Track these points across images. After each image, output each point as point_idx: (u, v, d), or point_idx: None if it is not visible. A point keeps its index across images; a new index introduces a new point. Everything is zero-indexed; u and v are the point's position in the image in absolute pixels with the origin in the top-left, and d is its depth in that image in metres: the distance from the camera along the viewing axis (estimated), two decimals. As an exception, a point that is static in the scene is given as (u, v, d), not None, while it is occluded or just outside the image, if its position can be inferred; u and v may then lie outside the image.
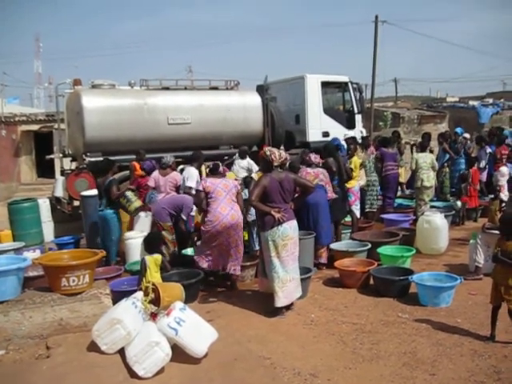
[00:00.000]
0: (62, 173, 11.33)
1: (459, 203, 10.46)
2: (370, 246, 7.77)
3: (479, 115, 28.53)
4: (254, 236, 7.88)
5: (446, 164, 12.36)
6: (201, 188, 6.87)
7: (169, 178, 8.40)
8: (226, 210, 6.73)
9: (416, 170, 10.07)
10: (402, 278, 6.43)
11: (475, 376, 4.37)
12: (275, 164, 5.97)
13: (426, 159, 10.14)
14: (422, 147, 10.79)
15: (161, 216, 7.68)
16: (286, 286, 5.89)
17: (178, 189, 8.44)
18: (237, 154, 11.03)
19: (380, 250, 7.55)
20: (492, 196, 9.76)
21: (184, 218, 7.66)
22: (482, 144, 12.84)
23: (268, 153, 6.01)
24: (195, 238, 8.20)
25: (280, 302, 5.87)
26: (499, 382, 4.27)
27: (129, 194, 8.10)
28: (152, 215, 7.98)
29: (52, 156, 16.60)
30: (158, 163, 8.89)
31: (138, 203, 8.15)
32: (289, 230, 5.90)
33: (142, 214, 8.56)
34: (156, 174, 8.55)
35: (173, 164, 8.66)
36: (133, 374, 4.51)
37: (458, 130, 13.54)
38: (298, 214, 6.46)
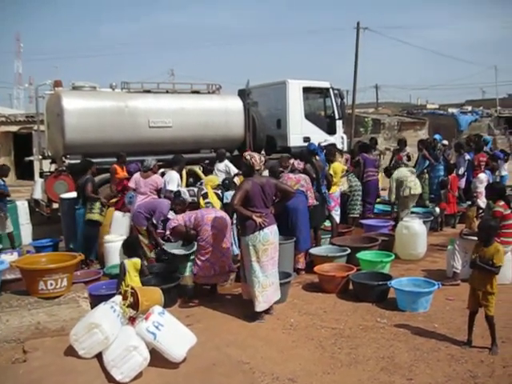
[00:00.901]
0: (41, 175, 11.19)
1: (438, 210, 10.55)
2: (349, 251, 7.80)
3: (458, 122, 28.94)
4: (235, 240, 7.86)
5: (425, 170, 12.49)
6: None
7: (149, 181, 8.40)
8: (210, 210, 6.76)
9: (399, 185, 10.05)
10: (380, 283, 6.47)
11: (452, 381, 4.41)
12: (256, 168, 5.99)
13: (404, 171, 10.25)
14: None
15: (137, 220, 7.69)
16: (266, 290, 5.89)
17: (159, 192, 8.43)
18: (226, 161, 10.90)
19: (359, 255, 7.59)
20: (470, 203, 9.90)
21: (154, 221, 7.61)
22: (460, 151, 12.98)
23: (248, 157, 6.03)
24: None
25: (260, 306, 5.87)
26: (475, 386, 4.31)
27: (97, 204, 8.27)
28: (131, 219, 7.96)
29: (31, 158, 16.41)
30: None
31: (96, 217, 8.29)
32: (269, 235, 5.91)
33: (119, 214, 8.54)
34: (137, 175, 8.56)
35: (154, 167, 8.66)
36: (110, 379, 4.49)
37: (437, 136, 13.65)
38: (277, 219, 6.47)
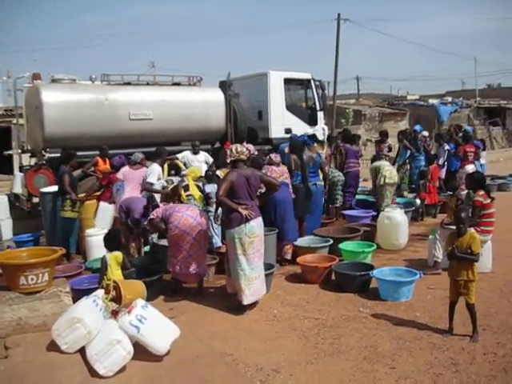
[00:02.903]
0: (21, 169, 11.06)
1: (418, 201, 10.63)
2: (331, 241, 7.85)
3: (438, 113, 29.16)
4: (216, 232, 7.84)
5: (407, 161, 12.60)
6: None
7: (138, 173, 8.38)
8: (184, 208, 6.69)
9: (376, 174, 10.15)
10: (362, 273, 6.51)
11: (434, 368, 4.47)
12: (237, 155, 5.97)
13: (382, 161, 10.34)
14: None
15: (118, 212, 7.66)
16: (253, 283, 5.89)
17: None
18: (186, 152, 10.83)
19: (341, 245, 7.64)
20: (450, 193, 9.99)
21: (136, 216, 7.56)
22: (440, 142, 13.11)
23: (229, 148, 6.06)
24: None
25: (247, 299, 5.86)
26: (457, 373, 4.36)
27: (68, 201, 8.23)
28: (116, 213, 7.92)
29: (10, 152, 16.22)
30: (126, 159, 8.86)
31: (68, 214, 8.25)
32: (255, 228, 5.90)
33: (105, 204, 8.51)
34: (126, 168, 8.52)
35: (142, 160, 8.62)
36: (94, 373, 4.47)
37: (417, 127, 13.77)
38: (264, 211, 6.48)
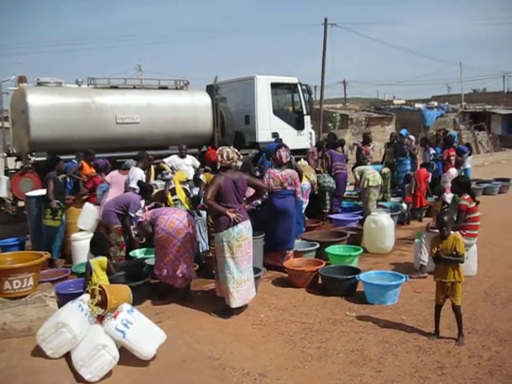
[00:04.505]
0: (6, 172, 10.99)
1: (405, 205, 10.67)
2: (318, 245, 7.87)
3: (424, 118, 29.34)
4: (203, 236, 7.83)
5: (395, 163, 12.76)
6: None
7: (125, 177, 8.35)
8: (170, 211, 6.67)
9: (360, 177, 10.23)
10: (349, 277, 6.52)
11: (420, 372, 4.49)
12: (229, 163, 5.97)
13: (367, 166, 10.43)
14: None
15: (108, 219, 7.56)
16: (241, 286, 5.89)
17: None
18: (173, 157, 10.81)
19: (328, 249, 7.65)
20: (436, 196, 10.05)
21: (132, 214, 7.53)
22: (426, 146, 13.20)
23: (221, 152, 6.04)
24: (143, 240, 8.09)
25: (235, 303, 5.86)
26: (443, 376, 4.39)
27: (48, 210, 8.12)
28: (101, 217, 7.85)
29: (-5, 155, 16.06)
30: (110, 162, 8.86)
31: (49, 222, 8.15)
32: (244, 231, 5.90)
33: (90, 205, 8.48)
34: (115, 172, 8.60)
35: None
36: (79, 379, 4.44)
37: (403, 131, 13.85)
38: (268, 223, 6.53)
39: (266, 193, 7.22)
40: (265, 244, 7.70)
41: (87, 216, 8.42)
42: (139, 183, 7.95)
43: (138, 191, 7.89)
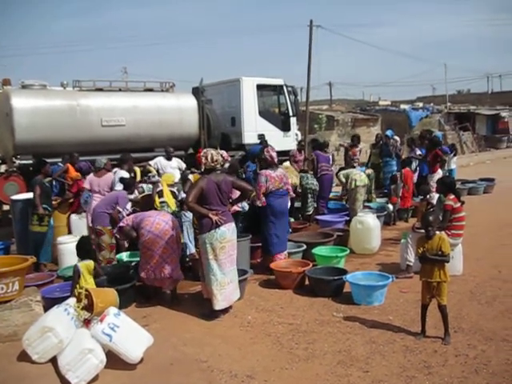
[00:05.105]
0: (-9, 176, 10.89)
1: (391, 206, 10.72)
2: (305, 246, 7.88)
3: (410, 118, 29.49)
4: (190, 238, 7.80)
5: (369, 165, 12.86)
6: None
7: (104, 180, 8.33)
8: (155, 213, 6.65)
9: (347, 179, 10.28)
10: (336, 277, 6.54)
11: (407, 371, 4.51)
12: (213, 165, 5.97)
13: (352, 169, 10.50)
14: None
15: (102, 221, 7.45)
16: (225, 288, 5.88)
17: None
18: (159, 158, 10.78)
19: (315, 250, 7.66)
20: (422, 197, 10.11)
21: (120, 209, 7.48)
22: (412, 146, 13.26)
23: (205, 154, 6.03)
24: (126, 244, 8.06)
25: (218, 304, 5.86)
26: (430, 376, 4.41)
27: (35, 216, 8.01)
28: (91, 222, 7.79)
29: (-21, 159, 15.91)
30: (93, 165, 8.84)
31: (36, 228, 8.03)
32: (227, 233, 5.89)
33: (76, 218, 8.44)
34: (91, 176, 8.47)
35: (107, 165, 8.57)
36: (66, 383, 4.40)
37: (389, 132, 13.91)
38: (267, 225, 6.99)
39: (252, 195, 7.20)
40: (263, 247, 7.73)
41: (77, 228, 8.37)
42: (121, 180, 7.94)
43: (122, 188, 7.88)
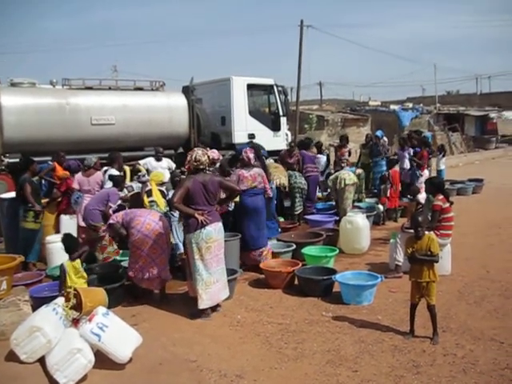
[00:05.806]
0: (-21, 174, 10.81)
1: (381, 207, 10.74)
2: (294, 246, 7.89)
3: (399, 119, 29.58)
4: (180, 239, 7.78)
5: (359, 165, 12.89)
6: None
7: (93, 179, 8.30)
8: (145, 213, 6.63)
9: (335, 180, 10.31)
10: (325, 277, 6.55)
11: (396, 371, 4.53)
12: (195, 165, 5.95)
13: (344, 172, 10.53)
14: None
15: (94, 217, 7.42)
16: (210, 288, 5.88)
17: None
18: (149, 159, 10.74)
19: (304, 250, 7.67)
20: (411, 197, 10.16)
21: (112, 205, 7.43)
22: (404, 146, 13.29)
23: (190, 154, 6.02)
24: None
25: (203, 304, 5.85)
26: (418, 375, 4.43)
27: (31, 213, 7.98)
28: (82, 220, 7.74)
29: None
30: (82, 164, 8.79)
31: (30, 225, 8.01)
32: (213, 233, 5.89)
33: (66, 217, 8.39)
34: (79, 175, 8.42)
35: (96, 164, 8.52)
36: (54, 383, 4.38)
37: (379, 133, 13.96)
38: (240, 222, 6.54)
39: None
40: (240, 244, 7.72)
41: (67, 229, 8.32)
42: (110, 177, 7.92)
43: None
